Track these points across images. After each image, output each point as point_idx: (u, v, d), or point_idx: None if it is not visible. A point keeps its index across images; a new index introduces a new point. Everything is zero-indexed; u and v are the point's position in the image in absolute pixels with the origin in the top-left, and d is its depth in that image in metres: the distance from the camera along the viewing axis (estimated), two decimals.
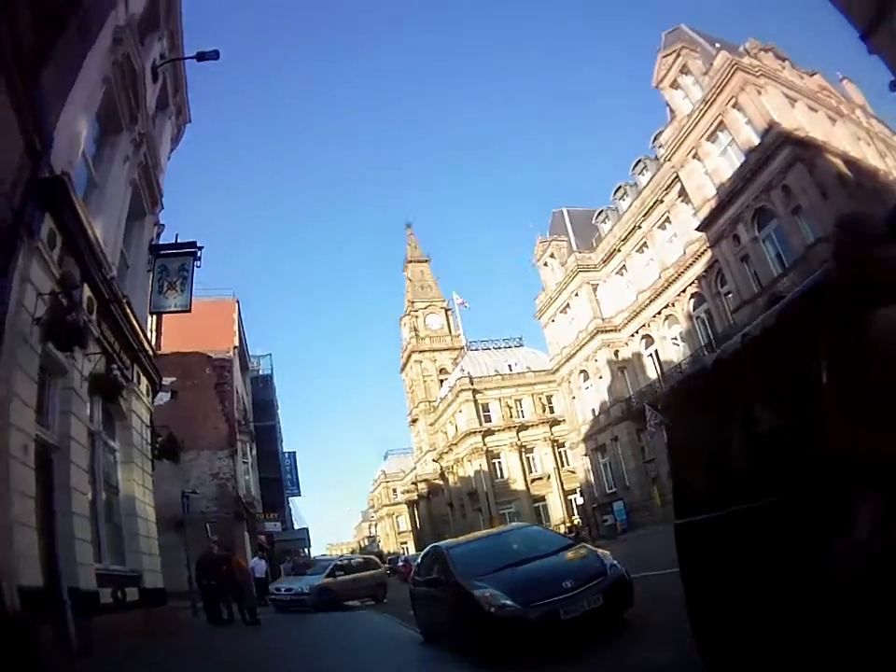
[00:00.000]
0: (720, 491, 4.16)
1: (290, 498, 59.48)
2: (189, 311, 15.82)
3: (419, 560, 12.71)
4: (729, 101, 29.61)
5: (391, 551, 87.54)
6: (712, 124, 31.17)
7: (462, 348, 77.31)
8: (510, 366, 68.77)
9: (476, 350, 72.03)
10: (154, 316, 35.91)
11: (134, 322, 12.85)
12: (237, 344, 39.31)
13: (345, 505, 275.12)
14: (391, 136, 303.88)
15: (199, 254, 15.51)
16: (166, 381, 29.80)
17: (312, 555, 54.50)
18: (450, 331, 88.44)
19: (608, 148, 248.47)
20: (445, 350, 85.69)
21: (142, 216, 15.13)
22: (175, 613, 15.87)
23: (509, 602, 7.58)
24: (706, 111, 31.13)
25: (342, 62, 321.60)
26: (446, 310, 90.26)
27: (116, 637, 9.75)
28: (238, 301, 42.51)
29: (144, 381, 14.30)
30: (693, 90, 32.51)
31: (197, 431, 30.70)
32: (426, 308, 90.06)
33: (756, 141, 28.37)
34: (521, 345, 73.64)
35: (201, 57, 15.43)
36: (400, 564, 40.93)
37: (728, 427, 4.07)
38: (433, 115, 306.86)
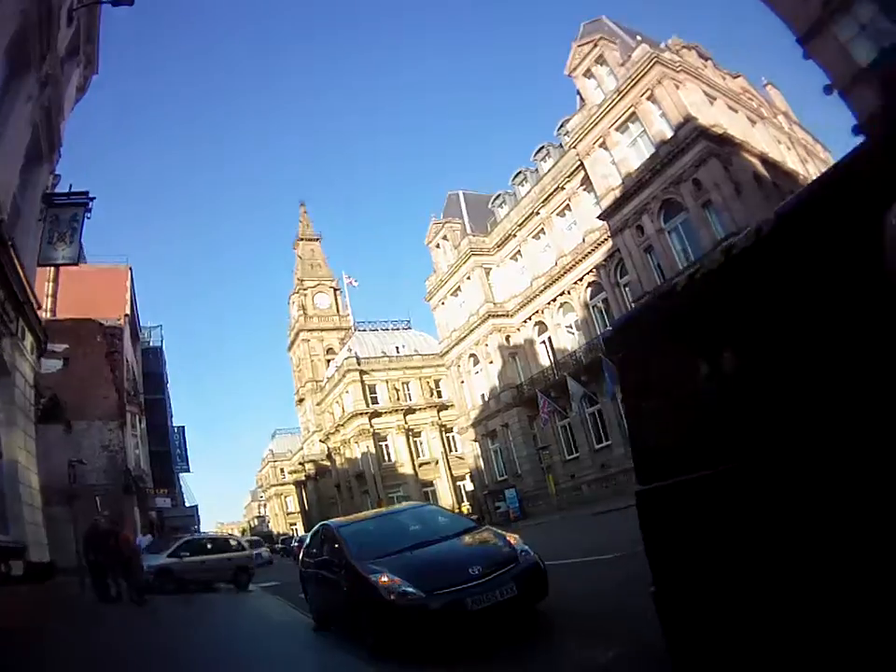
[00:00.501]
0: (699, 449, 3.48)
1: (181, 475, 57.53)
2: (77, 264, 15.65)
3: (308, 539, 11.88)
4: (644, 93, 29.38)
5: (280, 531, 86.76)
6: (624, 114, 30.91)
7: (350, 328, 75.66)
8: (397, 348, 67.65)
9: (364, 331, 70.57)
10: (50, 282, 34.31)
11: (20, 271, 11.74)
12: (128, 312, 37.39)
13: (236, 484, 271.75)
14: (291, 117, 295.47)
15: (90, 205, 14.98)
16: (58, 348, 28.37)
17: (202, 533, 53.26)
18: (338, 311, 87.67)
19: (509, 137, 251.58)
20: (333, 330, 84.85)
21: (38, 161, 14.13)
22: (62, 588, 15.44)
23: (410, 589, 6.83)
24: (618, 101, 30.81)
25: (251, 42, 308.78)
26: (335, 289, 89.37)
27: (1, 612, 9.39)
28: (131, 269, 40.54)
29: (29, 337, 13.27)
30: (607, 80, 32.09)
31: (88, 401, 29.73)
32: (315, 286, 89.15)
33: (669, 134, 28.28)
34: (409, 328, 72.77)
35: (115, 2, 15.08)
36: (294, 545, 40.17)
37: (708, 365, 3.40)
38: (336, 96, 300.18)
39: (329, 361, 79.60)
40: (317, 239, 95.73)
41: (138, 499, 33.03)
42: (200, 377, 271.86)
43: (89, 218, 14.93)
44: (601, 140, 32.29)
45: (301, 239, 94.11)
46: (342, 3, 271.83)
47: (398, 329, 71.73)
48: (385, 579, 7.02)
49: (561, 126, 38.63)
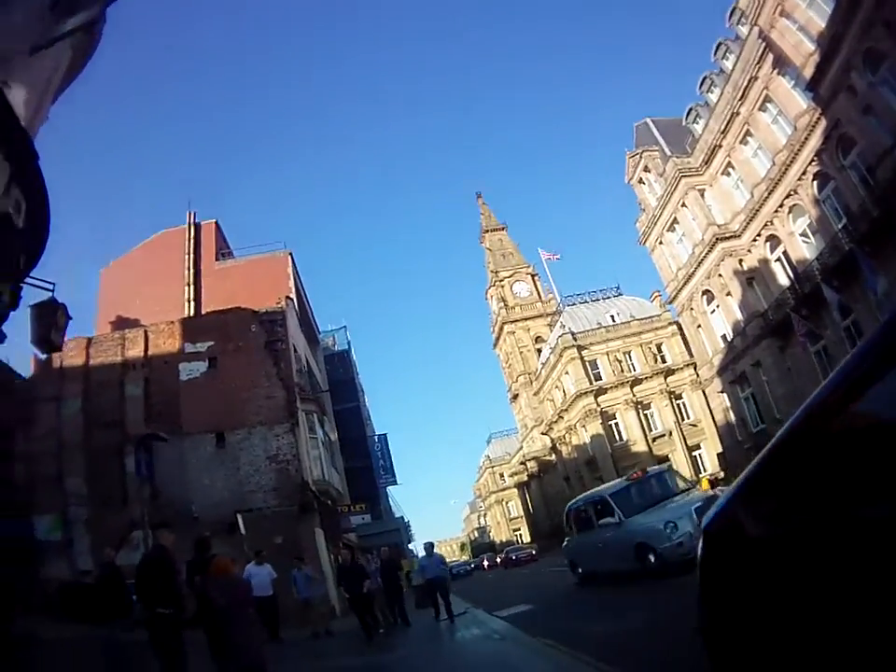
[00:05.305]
0: None
1: (388, 489, 59.61)
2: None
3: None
4: None
5: (503, 540, 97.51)
6: None
7: (555, 312, 79.71)
8: (612, 316, 70.06)
9: (573, 305, 73.71)
10: (189, 285, 38.52)
11: None
12: (292, 297, 37.43)
13: (451, 499, 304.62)
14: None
15: None
16: (201, 346, 30.79)
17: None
18: (540, 297, 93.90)
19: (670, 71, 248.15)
20: (538, 317, 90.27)
21: None
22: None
23: None
24: None
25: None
26: (533, 275, 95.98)
27: None
28: (291, 254, 42.15)
29: None
30: None
31: (245, 405, 29.31)
32: (510, 276, 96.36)
33: None
34: (620, 294, 75.13)
35: None
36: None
37: None
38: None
39: (539, 351, 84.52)
40: (503, 228, 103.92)
41: (322, 519, 30.58)
42: (401, 397, 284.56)
43: None
44: (779, 7, 33.72)
45: (487, 231, 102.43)
46: None
47: (608, 298, 74.32)
48: None
49: (731, 14, 40.32)
